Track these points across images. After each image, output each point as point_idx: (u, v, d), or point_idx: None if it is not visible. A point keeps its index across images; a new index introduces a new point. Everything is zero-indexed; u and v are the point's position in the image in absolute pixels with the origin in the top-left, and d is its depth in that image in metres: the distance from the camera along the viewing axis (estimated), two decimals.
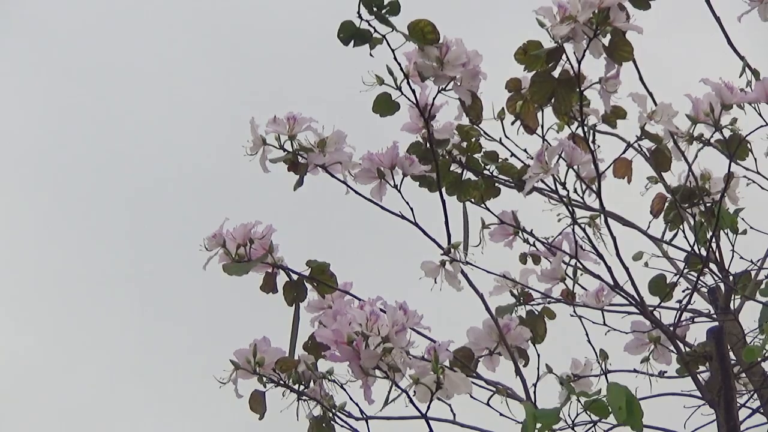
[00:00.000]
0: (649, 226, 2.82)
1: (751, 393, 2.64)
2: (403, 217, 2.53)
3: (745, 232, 2.78)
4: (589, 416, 2.16)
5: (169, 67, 5.06)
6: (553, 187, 2.50)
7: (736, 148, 2.52)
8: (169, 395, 4.43)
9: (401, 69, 2.41)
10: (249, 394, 2.31)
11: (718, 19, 2.69)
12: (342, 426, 2.30)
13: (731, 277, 2.75)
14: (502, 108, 2.67)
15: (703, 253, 2.65)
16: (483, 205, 2.67)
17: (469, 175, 2.68)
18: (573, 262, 2.63)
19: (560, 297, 2.67)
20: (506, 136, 2.70)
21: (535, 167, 2.48)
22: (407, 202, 2.54)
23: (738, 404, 2.47)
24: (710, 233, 2.66)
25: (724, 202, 2.68)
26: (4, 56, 4.86)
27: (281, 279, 2.50)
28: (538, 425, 2.06)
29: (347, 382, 2.24)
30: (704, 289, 2.75)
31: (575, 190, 2.50)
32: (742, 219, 2.78)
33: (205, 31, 5.07)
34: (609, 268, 2.53)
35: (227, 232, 2.44)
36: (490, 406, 2.40)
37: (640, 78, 2.62)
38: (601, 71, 2.43)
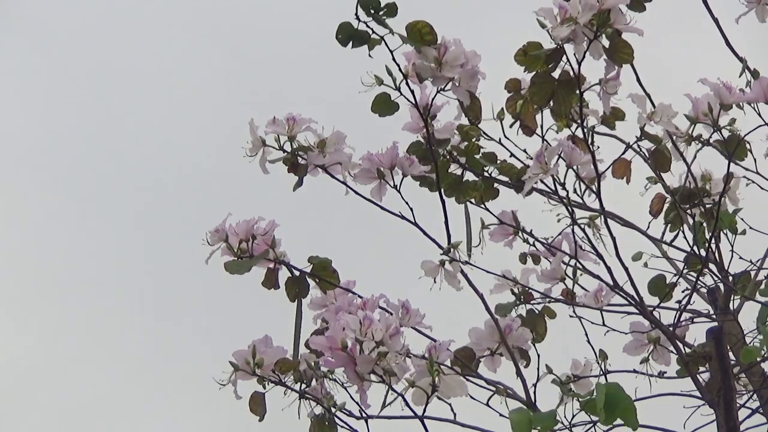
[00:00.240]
0: (648, 227, 2.82)
1: (751, 393, 2.64)
2: (402, 217, 2.53)
3: (744, 232, 2.79)
4: (588, 416, 2.16)
5: (169, 67, 5.06)
6: (553, 188, 2.50)
7: (735, 148, 2.52)
8: (170, 395, 4.44)
9: (400, 69, 2.41)
10: (249, 396, 2.32)
11: (716, 20, 2.70)
12: (342, 425, 2.31)
13: (731, 278, 2.75)
14: (502, 108, 2.67)
15: (703, 253, 2.65)
16: (483, 206, 2.68)
17: (468, 175, 2.68)
18: (573, 262, 2.64)
19: (560, 297, 2.67)
20: (506, 137, 2.70)
21: (534, 168, 2.48)
22: (407, 203, 2.54)
23: (737, 404, 2.48)
24: (709, 234, 2.66)
25: (723, 203, 2.68)
26: (4, 56, 4.87)
27: (283, 275, 2.51)
28: (537, 428, 2.06)
29: (348, 382, 2.24)
30: (704, 290, 2.75)
31: (575, 191, 2.51)
32: (742, 219, 2.79)
33: (205, 31, 5.08)
34: (608, 269, 2.53)
35: (230, 227, 2.44)
36: (490, 407, 2.40)
37: (638, 79, 2.62)
38: (600, 72, 2.43)
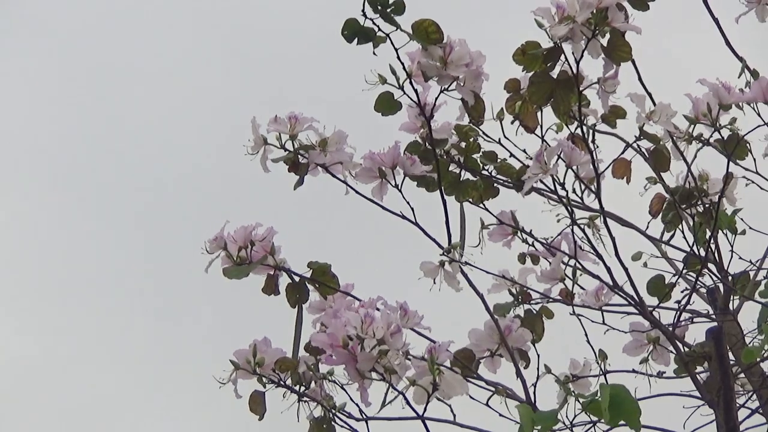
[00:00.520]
0: (648, 227, 2.82)
1: (750, 393, 2.64)
2: (403, 217, 2.53)
3: (743, 232, 2.79)
4: (589, 416, 2.16)
5: (170, 67, 5.06)
6: (552, 188, 2.50)
7: (734, 148, 2.52)
8: (170, 395, 4.44)
9: (404, 68, 2.41)
10: (249, 395, 2.32)
11: (716, 20, 2.70)
12: (342, 427, 2.31)
13: (730, 278, 2.75)
14: (501, 108, 2.67)
15: (702, 253, 2.65)
16: (482, 206, 2.68)
17: (467, 175, 2.68)
18: (572, 262, 2.64)
19: (559, 297, 2.67)
20: (505, 137, 2.70)
21: (534, 167, 2.48)
22: (408, 202, 2.54)
23: (737, 404, 2.48)
24: (709, 233, 2.66)
25: (722, 203, 2.68)
26: (3, 56, 4.87)
27: (283, 281, 2.51)
28: (538, 427, 2.06)
29: (348, 383, 2.24)
30: (703, 290, 2.75)
31: (574, 191, 2.51)
32: (741, 219, 2.79)
33: (206, 31, 5.08)
34: (608, 269, 2.53)
35: (228, 235, 2.44)
36: (490, 407, 2.40)
37: (639, 78, 2.62)
38: (599, 71, 2.43)
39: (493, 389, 2.43)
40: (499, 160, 2.68)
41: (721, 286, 2.74)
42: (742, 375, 2.66)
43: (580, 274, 2.67)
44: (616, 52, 2.34)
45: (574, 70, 2.37)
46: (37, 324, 4.81)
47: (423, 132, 2.57)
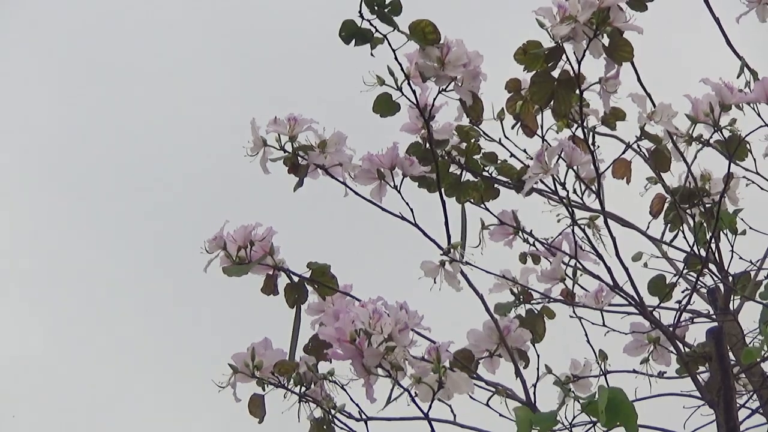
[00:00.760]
0: (648, 227, 2.82)
1: (751, 393, 2.64)
2: (402, 217, 2.53)
3: (744, 232, 2.79)
4: (589, 417, 2.16)
5: (170, 67, 5.06)
6: (553, 188, 2.50)
7: (735, 148, 2.52)
8: (170, 396, 4.44)
9: (402, 69, 2.41)
10: (248, 398, 2.32)
11: (717, 20, 2.70)
12: (342, 427, 2.31)
13: (730, 278, 2.75)
14: (502, 108, 2.67)
15: (703, 253, 2.65)
16: (482, 206, 2.68)
17: (468, 176, 2.68)
18: (573, 262, 2.64)
19: (560, 297, 2.67)
20: (506, 137, 2.70)
21: (534, 168, 2.48)
22: (407, 203, 2.54)
23: (737, 405, 2.47)
24: (709, 234, 2.66)
25: (723, 203, 2.68)
26: (3, 56, 4.87)
27: (282, 281, 2.51)
28: (537, 428, 2.06)
29: (348, 383, 2.24)
30: (704, 290, 2.75)
31: (575, 191, 2.51)
32: (742, 219, 2.79)
33: (206, 31, 5.08)
34: (608, 269, 2.53)
35: (228, 235, 2.44)
36: (490, 407, 2.40)
37: (638, 78, 2.62)
38: (600, 71, 2.43)
39: (493, 389, 2.43)
40: (499, 161, 2.68)
41: (721, 286, 2.74)
42: (743, 375, 2.66)
43: (581, 274, 2.67)
44: (618, 52, 2.34)
45: (576, 70, 2.36)
46: (38, 324, 4.81)
47: (424, 133, 2.57)
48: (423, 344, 2.22)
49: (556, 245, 2.64)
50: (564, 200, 2.51)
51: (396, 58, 2.39)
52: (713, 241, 2.69)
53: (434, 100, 2.47)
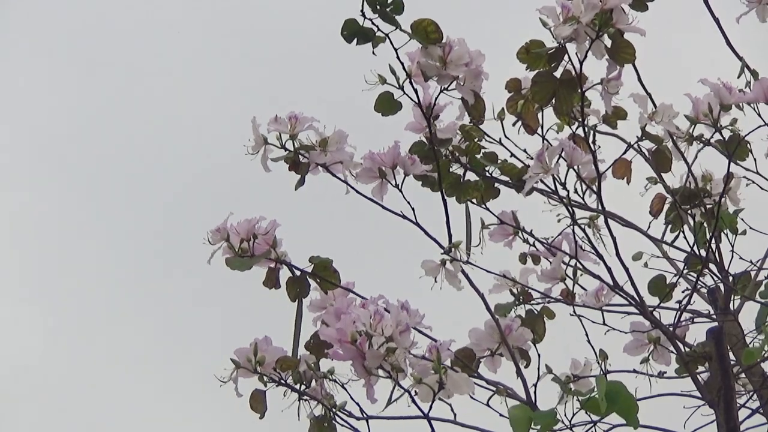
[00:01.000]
0: (649, 227, 2.82)
1: (751, 393, 2.64)
2: (404, 216, 2.53)
3: (744, 232, 2.79)
4: (589, 416, 2.16)
5: (169, 67, 5.06)
6: (553, 188, 2.50)
7: (735, 148, 2.52)
8: (170, 395, 4.44)
9: (404, 68, 2.42)
10: (250, 394, 2.32)
11: (717, 20, 2.70)
12: (343, 426, 2.31)
13: (731, 278, 2.75)
14: (503, 108, 2.68)
15: (703, 253, 2.65)
16: (483, 206, 2.68)
17: (469, 175, 2.68)
18: (573, 262, 2.64)
19: (560, 297, 2.67)
20: (506, 137, 2.70)
21: (535, 167, 2.48)
22: (408, 202, 2.54)
23: (738, 404, 2.48)
24: (710, 234, 2.66)
25: (724, 203, 2.68)
26: (3, 56, 4.87)
27: (284, 275, 2.51)
28: (536, 427, 2.06)
29: (348, 382, 2.24)
30: (704, 290, 2.75)
31: (575, 191, 2.51)
32: (742, 219, 2.79)
33: (205, 31, 5.08)
34: (609, 269, 2.53)
35: (231, 227, 2.44)
36: (490, 407, 2.40)
37: (639, 79, 2.62)
38: (602, 71, 2.43)
39: (493, 389, 2.43)
40: (499, 161, 2.68)
41: (721, 286, 2.74)
42: (743, 375, 2.66)
43: (581, 274, 2.67)
44: (620, 54, 2.35)
45: (578, 71, 2.37)
46: (38, 324, 4.81)
47: (428, 131, 2.57)
48: (424, 343, 2.23)
49: (556, 245, 2.65)
50: (564, 200, 2.51)
51: (398, 57, 2.39)
52: (713, 241, 2.70)
53: (437, 99, 2.47)
